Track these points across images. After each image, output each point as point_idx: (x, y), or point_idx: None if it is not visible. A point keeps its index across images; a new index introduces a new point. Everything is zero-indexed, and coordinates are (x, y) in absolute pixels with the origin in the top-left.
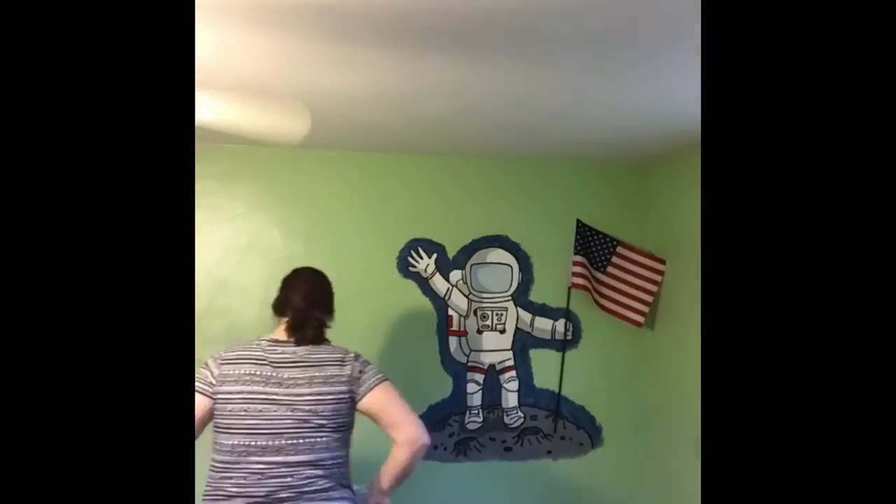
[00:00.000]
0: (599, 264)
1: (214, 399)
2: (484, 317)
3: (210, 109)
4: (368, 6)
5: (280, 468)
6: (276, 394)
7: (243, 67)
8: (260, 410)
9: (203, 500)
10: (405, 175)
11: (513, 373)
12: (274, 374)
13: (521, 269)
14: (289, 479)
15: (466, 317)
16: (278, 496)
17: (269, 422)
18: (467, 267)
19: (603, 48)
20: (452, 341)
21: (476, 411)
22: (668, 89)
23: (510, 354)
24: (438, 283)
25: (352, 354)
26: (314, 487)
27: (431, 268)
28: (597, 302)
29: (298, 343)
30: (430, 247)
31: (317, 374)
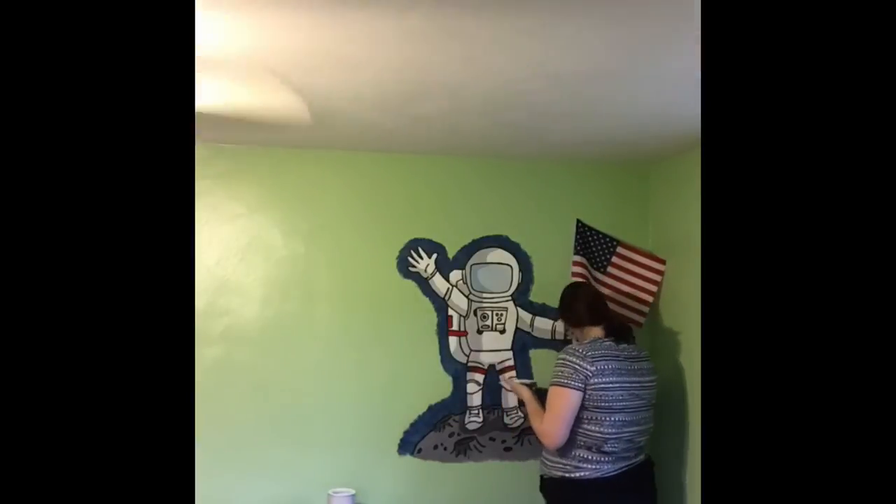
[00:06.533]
0: (599, 264)
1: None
2: (484, 317)
3: (211, 96)
4: None
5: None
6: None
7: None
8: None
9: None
10: (405, 175)
11: (513, 373)
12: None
13: (521, 269)
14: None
15: (466, 317)
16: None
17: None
18: (467, 267)
19: (603, 48)
20: (452, 341)
21: (476, 411)
22: (668, 89)
23: (510, 354)
24: (438, 283)
25: None
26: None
27: (431, 268)
28: None
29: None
30: (430, 247)
31: None
